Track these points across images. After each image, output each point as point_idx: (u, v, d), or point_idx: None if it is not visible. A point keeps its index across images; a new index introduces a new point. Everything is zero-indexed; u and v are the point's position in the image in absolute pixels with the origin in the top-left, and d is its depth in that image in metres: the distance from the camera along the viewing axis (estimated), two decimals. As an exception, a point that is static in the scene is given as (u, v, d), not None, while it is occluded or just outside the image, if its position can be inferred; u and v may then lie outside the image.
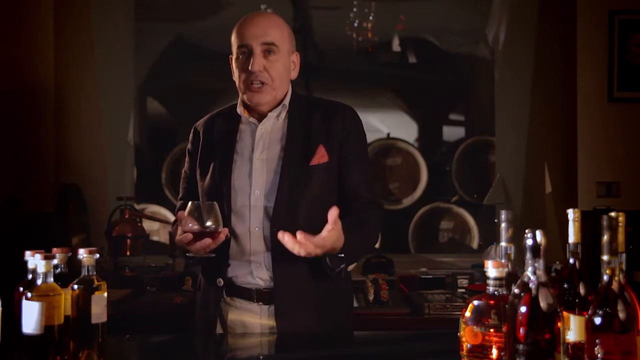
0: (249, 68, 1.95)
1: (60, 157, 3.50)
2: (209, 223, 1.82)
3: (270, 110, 2.01)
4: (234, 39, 2.01)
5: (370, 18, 4.69)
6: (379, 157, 4.80)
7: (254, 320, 1.96)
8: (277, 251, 1.89)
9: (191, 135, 2.14)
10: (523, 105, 3.72)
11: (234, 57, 2.02)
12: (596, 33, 3.43)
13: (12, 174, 3.36)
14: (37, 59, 3.43)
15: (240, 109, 2.05)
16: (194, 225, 1.81)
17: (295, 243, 1.75)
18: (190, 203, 1.85)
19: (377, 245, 4.64)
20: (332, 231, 1.76)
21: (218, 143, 2.06)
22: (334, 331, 1.95)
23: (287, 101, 2.03)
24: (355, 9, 4.69)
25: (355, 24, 4.73)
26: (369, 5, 4.67)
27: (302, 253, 1.76)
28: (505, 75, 3.91)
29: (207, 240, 1.81)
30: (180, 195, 2.16)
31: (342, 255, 1.87)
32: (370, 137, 5.39)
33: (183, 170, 2.16)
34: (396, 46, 5.16)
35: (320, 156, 1.97)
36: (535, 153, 3.71)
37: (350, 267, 2.02)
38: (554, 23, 3.63)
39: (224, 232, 1.85)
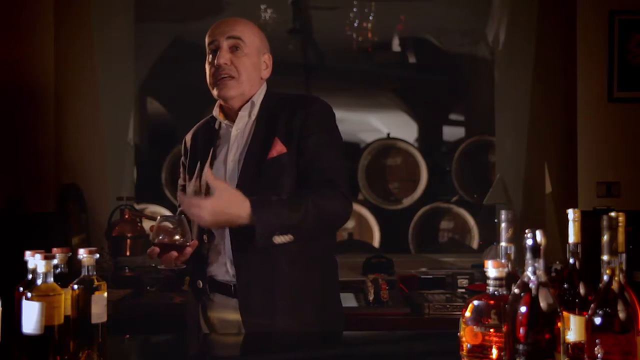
0: (215, 62, 1.97)
1: (60, 157, 3.50)
2: (176, 237, 1.84)
3: (239, 109, 2.02)
4: (205, 41, 2.02)
5: (370, 18, 4.69)
6: (379, 157, 4.80)
7: (231, 316, 1.97)
8: (237, 245, 1.92)
9: (182, 147, 2.19)
10: (523, 105, 3.72)
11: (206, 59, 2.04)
12: (596, 33, 3.43)
13: (12, 174, 3.36)
14: (37, 59, 3.43)
15: (216, 111, 2.07)
16: (163, 239, 1.83)
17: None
18: (159, 217, 1.88)
19: (376, 244, 4.73)
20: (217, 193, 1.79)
21: (200, 151, 2.09)
22: (318, 329, 1.93)
23: (257, 99, 2.03)
24: (355, 9, 4.68)
25: (355, 24, 4.72)
26: (369, 5, 4.67)
27: (192, 216, 1.82)
28: (505, 75, 3.90)
29: (173, 254, 1.85)
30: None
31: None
32: (370, 137, 5.45)
33: (179, 180, 2.21)
34: (396, 46, 5.15)
35: (278, 148, 1.95)
36: (535, 153, 3.70)
37: (278, 240, 1.83)
38: (554, 23, 3.62)
39: (192, 245, 1.88)
